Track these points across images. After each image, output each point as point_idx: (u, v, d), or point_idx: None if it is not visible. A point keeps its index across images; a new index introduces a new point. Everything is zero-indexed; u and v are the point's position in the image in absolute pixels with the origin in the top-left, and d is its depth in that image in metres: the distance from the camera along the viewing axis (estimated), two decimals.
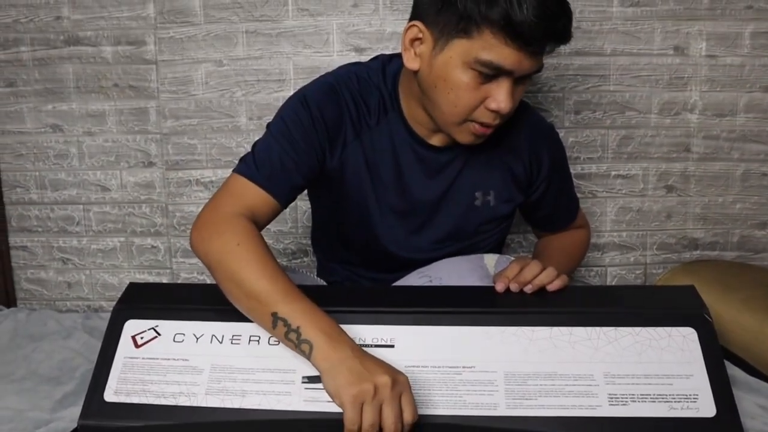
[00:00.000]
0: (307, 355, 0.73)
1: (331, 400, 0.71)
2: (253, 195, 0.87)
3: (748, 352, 1.10)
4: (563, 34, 0.82)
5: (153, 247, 1.48)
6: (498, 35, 0.78)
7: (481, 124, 0.86)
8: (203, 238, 0.84)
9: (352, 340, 0.74)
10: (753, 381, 0.97)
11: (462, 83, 0.83)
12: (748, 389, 0.93)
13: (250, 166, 0.89)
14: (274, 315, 0.76)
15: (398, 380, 0.70)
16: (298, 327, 0.74)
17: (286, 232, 1.46)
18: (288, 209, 1.41)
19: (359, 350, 0.73)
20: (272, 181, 0.88)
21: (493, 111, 0.84)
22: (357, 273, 1.07)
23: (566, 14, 0.81)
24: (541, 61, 0.84)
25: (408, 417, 0.69)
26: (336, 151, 0.94)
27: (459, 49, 0.82)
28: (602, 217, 1.48)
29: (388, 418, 0.68)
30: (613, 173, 1.46)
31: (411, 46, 0.87)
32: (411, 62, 0.87)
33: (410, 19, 0.88)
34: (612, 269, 1.50)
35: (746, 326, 1.14)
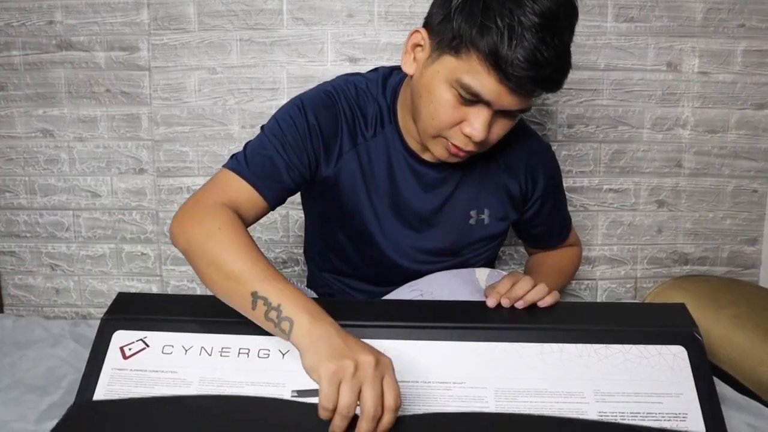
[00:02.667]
0: (287, 334, 0.70)
1: None
2: (240, 189, 0.86)
3: (736, 368, 1.11)
4: (550, 84, 0.79)
5: (143, 254, 1.47)
6: (483, 63, 0.77)
7: (455, 145, 0.85)
8: (184, 224, 0.82)
9: (333, 321, 0.71)
10: (742, 399, 0.97)
11: (442, 99, 0.82)
12: (737, 407, 0.93)
13: (240, 162, 0.88)
14: (254, 294, 0.73)
15: (381, 361, 0.66)
16: (279, 305, 0.71)
17: (276, 241, 1.46)
18: (279, 217, 1.43)
19: (341, 329, 0.70)
20: (261, 180, 0.87)
21: (466, 135, 0.83)
22: (348, 285, 1.07)
23: (560, 66, 0.78)
24: (527, 102, 0.82)
25: (390, 401, 0.64)
26: (331, 159, 0.94)
27: (447, 65, 0.81)
28: (593, 231, 1.48)
29: (368, 400, 0.62)
30: (605, 187, 1.46)
31: (412, 51, 0.87)
32: (408, 66, 0.87)
33: (422, 25, 0.88)
34: (603, 282, 1.51)
35: (735, 343, 1.15)
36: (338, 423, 0.63)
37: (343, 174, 0.95)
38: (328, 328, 0.69)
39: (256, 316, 0.74)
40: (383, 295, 1.02)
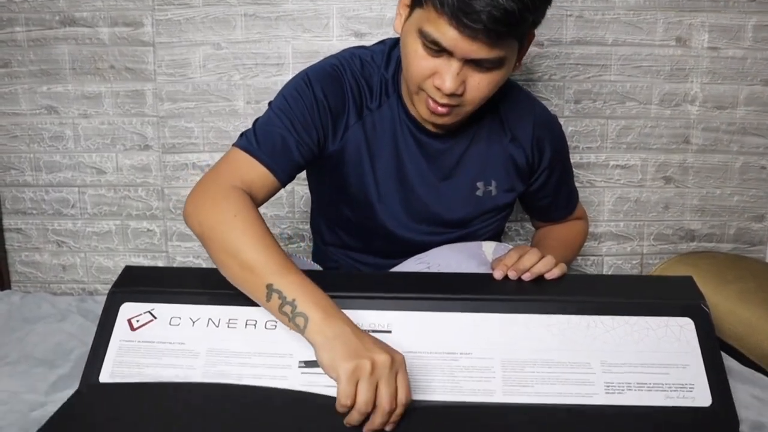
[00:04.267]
0: (302, 329, 0.72)
1: (328, 383, 0.70)
2: (253, 170, 0.86)
3: (742, 342, 1.11)
4: (508, 20, 0.75)
5: (149, 230, 1.47)
6: (438, 11, 0.78)
7: (433, 99, 0.86)
8: (198, 207, 0.82)
9: (347, 317, 0.73)
10: (747, 372, 0.97)
11: (413, 50, 0.83)
12: (742, 380, 0.93)
13: (251, 142, 0.88)
14: (269, 287, 0.74)
15: (396, 359, 0.68)
16: (293, 300, 0.73)
17: (282, 217, 1.46)
18: (285, 193, 1.43)
19: (355, 327, 0.72)
20: (273, 158, 0.87)
21: (437, 88, 0.83)
22: (354, 258, 1.07)
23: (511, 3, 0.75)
24: (492, 50, 0.79)
25: (402, 397, 0.67)
26: (338, 133, 0.93)
27: (415, 17, 0.83)
28: (600, 207, 1.48)
29: (384, 397, 0.66)
30: (612, 163, 1.46)
31: (402, 11, 0.88)
32: (397, 25, 0.88)
33: None
34: (609, 259, 1.50)
35: (742, 318, 1.15)
36: (356, 417, 0.67)
37: (349, 147, 0.94)
38: (343, 326, 0.70)
39: (271, 308, 0.75)
40: (390, 269, 1.02)
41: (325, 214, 1.08)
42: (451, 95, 0.83)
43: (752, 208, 1.50)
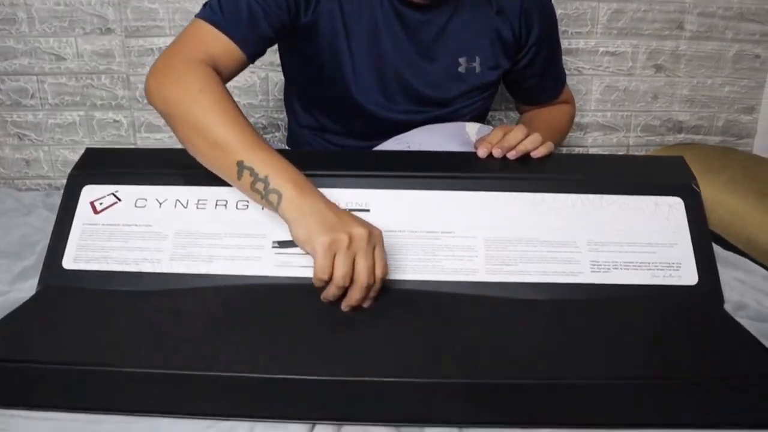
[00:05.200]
0: (275, 206, 0.69)
1: (303, 264, 0.67)
2: (217, 42, 0.80)
3: (728, 230, 1.09)
4: None
5: (115, 121, 1.40)
6: None
7: None
8: (160, 84, 0.76)
9: (322, 194, 0.70)
10: (732, 256, 0.96)
11: None
12: (726, 264, 0.93)
13: (215, 11, 0.81)
14: (240, 164, 0.70)
15: (373, 233, 0.66)
16: (266, 176, 0.69)
17: (256, 105, 1.39)
18: (259, 81, 1.36)
19: (329, 201, 0.69)
20: (238, 29, 0.81)
21: None
22: (331, 141, 1.02)
23: None
24: None
25: (379, 271, 0.65)
26: (311, 3, 0.87)
27: None
28: (587, 96, 1.42)
29: (362, 271, 0.64)
30: (602, 50, 1.39)
31: None
32: None
33: None
34: (594, 150, 1.47)
35: (728, 206, 1.13)
36: (333, 291, 0.65)
37: (323, 18, 0.88)
38: (317, 201, 0.67)
39: (242, 186, 0.72)
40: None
41: (299, 94, 1.02)
42: None
43: (743, 99, 1.45)
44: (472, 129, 0.91)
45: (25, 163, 1.43)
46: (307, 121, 1.03)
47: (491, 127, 0.94)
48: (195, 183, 0.78)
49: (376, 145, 0.96)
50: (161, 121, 1.32)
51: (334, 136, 1.01)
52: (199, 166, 0.76)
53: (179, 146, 0.77)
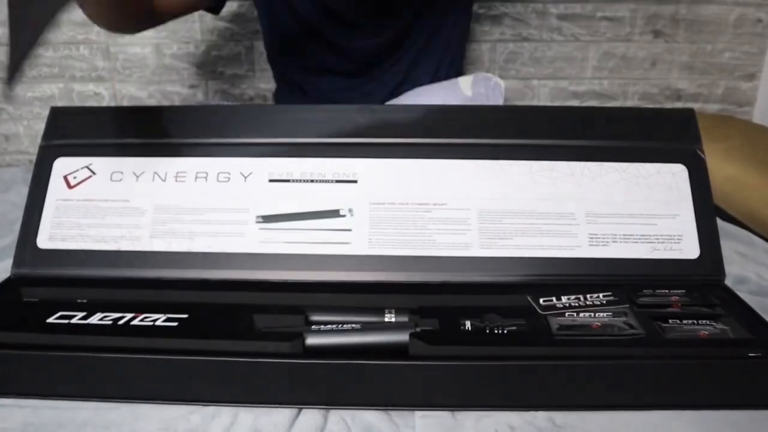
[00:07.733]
0: None
1: (288, 240, 0.64)
2: None
3: (727, 200, 1.06)
4: None
5: (96, 93, 1.35)
6: None
7: None
8: None
9: None
10: (732, 228, 0.94)
11: None
12: (726, 236, 0.90)
13: None
14: None
15: None
16: None
17: (242, 76, 1.34)
18: (244, 50, 1.30)
19: None
20: None
21: None
22: (318, 86, 0.98)
23: None
24: None
25: None
26: None
27: None
28: (584, 63, 1.38)
29: None
30: (599, 14, 1.34)
31: None
32: None
33: None
34: None
35: (727, 175, 1.10)
36: None
37: None
38: None
39: None
40: (359, 88, 0.93)
41: (278, 40, 0.99)
42: None
43: (743, 66, 1.41)
44: (466, 83, 0.86)
45: (5, 138, 1.38)
46: (291, 67, 1.00)
47: (485, 74, 0.90)
48: (173, 154, 0.73)
49: (365, 79, 0.92)
50: (144, 93, 1.27)
51: (317, 77, 0.97)
52: (177, 135, 0.72)
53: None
